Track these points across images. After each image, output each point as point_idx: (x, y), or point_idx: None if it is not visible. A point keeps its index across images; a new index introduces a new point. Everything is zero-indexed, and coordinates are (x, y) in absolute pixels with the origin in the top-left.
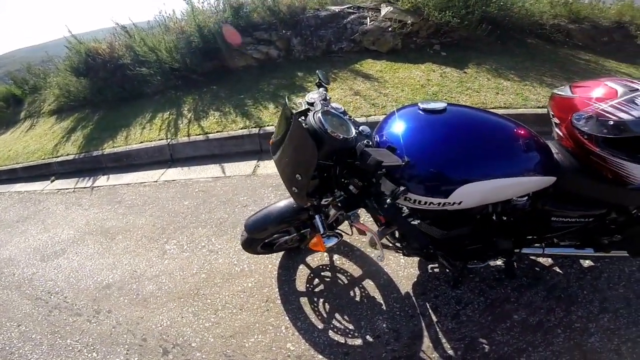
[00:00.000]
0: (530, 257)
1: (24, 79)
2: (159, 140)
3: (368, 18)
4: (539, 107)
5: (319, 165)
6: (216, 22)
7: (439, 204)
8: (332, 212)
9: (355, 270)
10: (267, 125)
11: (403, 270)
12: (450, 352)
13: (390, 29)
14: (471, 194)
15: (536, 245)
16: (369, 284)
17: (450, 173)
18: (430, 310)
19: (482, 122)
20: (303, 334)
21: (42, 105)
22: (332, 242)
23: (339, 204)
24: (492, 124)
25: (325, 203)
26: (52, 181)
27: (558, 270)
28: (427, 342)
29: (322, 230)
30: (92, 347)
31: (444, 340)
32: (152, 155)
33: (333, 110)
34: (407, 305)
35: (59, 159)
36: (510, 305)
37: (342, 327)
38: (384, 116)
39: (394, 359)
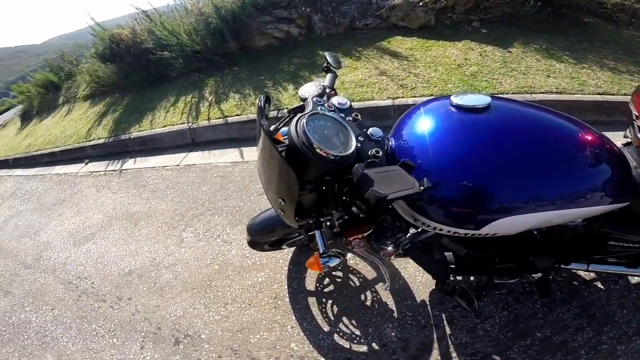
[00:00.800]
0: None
1: (59, 66)
2: (181, 124)
3: None
4: (598, 94)
5: (311, 182)
6: (234, 2)
7: (467, 234)
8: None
9: (369, 272)
10: (286, 107)
11: (422, 275)
12: None
13: (421, 4)
14: (513, 225)
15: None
16: (382, 289)
17: (489, 201)
18: (445, 322)
19: (539, 128)
20: (308, 335)
21: (77, 91)
22: (333, 262)
23: (339, 227)
24: (552, 130)
25: (326, 219)
26: (86, 164)
27: (600, 285)
28: (435, 355)
29: (322, 249)
30: (113, 333)
31: (454, 355)
32: (175, 139)
33: (329, 113)
34: (420, 314)
35: (91, 143)
36: (535, 321)
37: (349, 331)
38: (411, 107)
39: None
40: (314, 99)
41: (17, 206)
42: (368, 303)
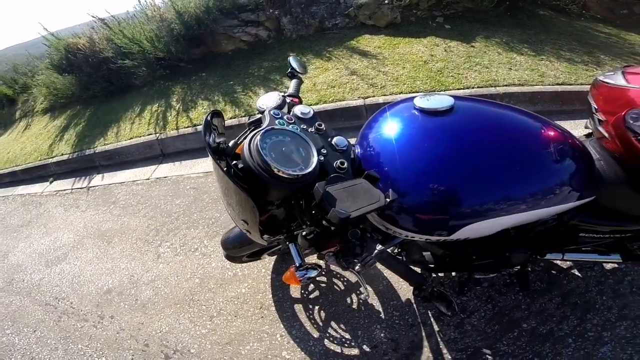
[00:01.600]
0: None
1: (13, 78)
2: (148, 135)
3: None
4: (558, 84)
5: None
6: (197, 7)
7: (438, 240)
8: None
9: (352, 276)
10: (258, 113)
11: None
12: None
13: (387, 2)
14: (485, 229)
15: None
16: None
17: (458, 207)
18: (432, 319)
19: (503, 128)
20: (298, 343)
21: (34, 104)
22: (312, 274)
23: (310, 241)
24: (516, 129)
25: (299, 231)
26: (50, 182)
27: (577, 273)
28: (427, 353)
29: (297, 262)
30: (101, 352)
31: (445, 351)
32: (143, 151)
33: (288, 127)
34: (407, 314)
35: (54, 160)
36: (520, 313)
37: (339, 336)
38: (375, 112)
39: None
40: (272, 112)
41: None
42: (354, 306)
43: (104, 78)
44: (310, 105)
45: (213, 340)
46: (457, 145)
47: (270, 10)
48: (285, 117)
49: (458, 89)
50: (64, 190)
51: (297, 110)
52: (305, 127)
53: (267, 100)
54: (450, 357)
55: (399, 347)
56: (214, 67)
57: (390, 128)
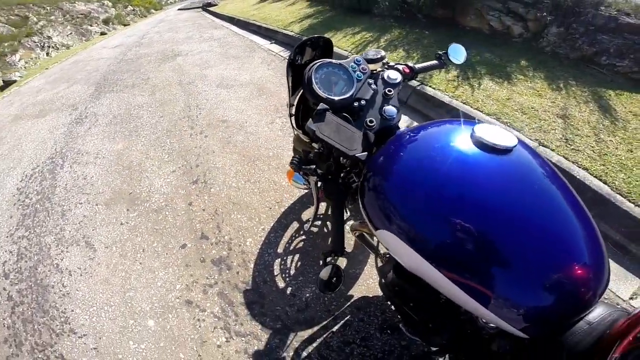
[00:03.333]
0: None
1: None
2: (344, 50)
3: None
4: None
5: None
6: None
7: (365, 220)
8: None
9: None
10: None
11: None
12: None
13: None
14: (406, 255)
15: None
16: None
17: (402, 200)
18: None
19: (541, 205)
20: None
21: None
22: (298, 180)
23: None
24: (550, 220)
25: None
26: (271, 43)
27: None
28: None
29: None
30: None
31: None
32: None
33: (354, 73)
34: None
35: (284, 32)
36: None
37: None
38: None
39: None
40: (356, 58)
41: (215, 47)
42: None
43: None
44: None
45: None
46: (474, 181)
47: (545, 14)
48: (361, 67)
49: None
50: (272, 51)
51: (388, 73)
52: (374, 83)
53: (375, 53)
54: None
55: None
56: (441, 33)
57: (439, 143)
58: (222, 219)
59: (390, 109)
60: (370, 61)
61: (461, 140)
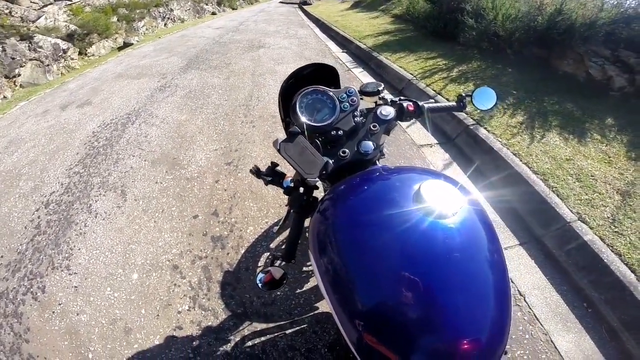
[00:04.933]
0: None
1: None
2: (405, 72)
3: None
4: None
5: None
6: (585, 13)
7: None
8: None
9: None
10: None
11: None
12: None
13: None
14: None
15: None
16: None
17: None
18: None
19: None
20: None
21: (392, 7)
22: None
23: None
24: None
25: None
26: (342, 51)
27: None
28: None
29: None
30: None
31: None
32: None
33: (343, 104)
34: None
35: (357, 43)
36: None
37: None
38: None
39: None
40: (349, 89)
41: (293, 46)
42: None
43: (444, 19)
44: None
45: None
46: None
47: None
48: (350, 99)
49: None
50: (340, 59)
51: (381, 109)
52: (364, 118)
53: (373, 85)
54: None
55: None
56: (525, 72)
57: (388, 193)
58: (236, 202)
59: (367, 144)
60: (367, 93)
61: (405, 197)
